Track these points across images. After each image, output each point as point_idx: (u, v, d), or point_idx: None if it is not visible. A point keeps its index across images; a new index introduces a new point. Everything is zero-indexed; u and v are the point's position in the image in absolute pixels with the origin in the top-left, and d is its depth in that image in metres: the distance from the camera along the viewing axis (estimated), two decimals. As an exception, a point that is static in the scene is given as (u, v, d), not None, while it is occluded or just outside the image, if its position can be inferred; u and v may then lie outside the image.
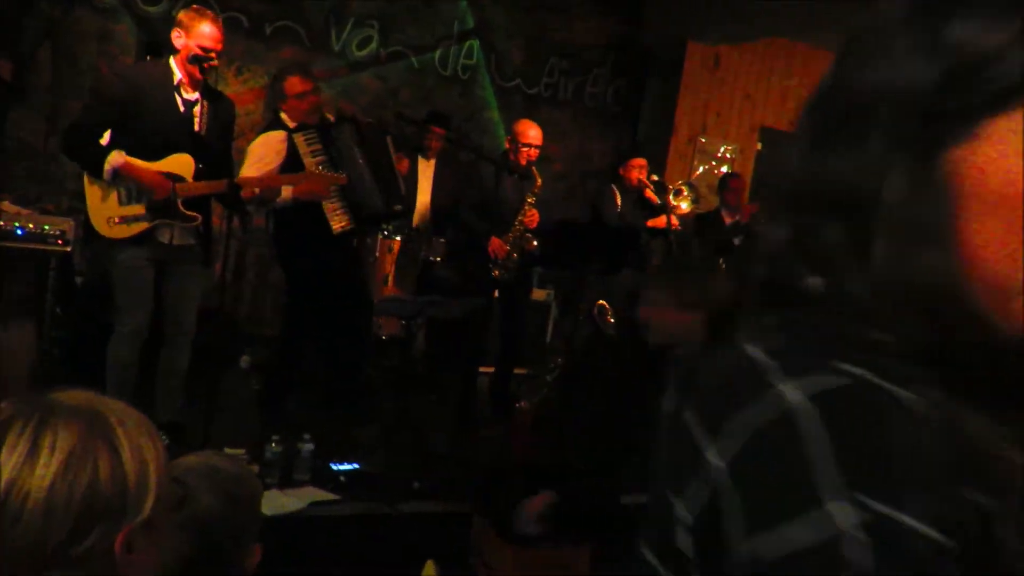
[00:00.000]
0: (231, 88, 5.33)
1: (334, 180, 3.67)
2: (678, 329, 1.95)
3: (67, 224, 4.37)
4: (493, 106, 6.16)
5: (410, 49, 5.82)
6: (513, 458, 4.09)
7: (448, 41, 5.93)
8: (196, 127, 3.41)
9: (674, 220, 5.06)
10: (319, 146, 3.92)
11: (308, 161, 3.87)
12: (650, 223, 5.31)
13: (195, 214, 3.42)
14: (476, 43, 6.02)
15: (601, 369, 5.25)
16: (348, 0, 5.55)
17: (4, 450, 0.80)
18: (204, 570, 1.34)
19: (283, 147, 3.90)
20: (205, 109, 3.43)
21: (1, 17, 4.61)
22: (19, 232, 4.27)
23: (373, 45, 5.69)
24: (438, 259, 5.17)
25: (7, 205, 4.40)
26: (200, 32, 3.29)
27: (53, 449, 0.81)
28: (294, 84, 3.95)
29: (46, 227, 4.34)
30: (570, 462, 3.99)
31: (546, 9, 6.17)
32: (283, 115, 4.00)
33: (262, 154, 3.87)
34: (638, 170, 5.30)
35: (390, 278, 5.21)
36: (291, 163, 3.87)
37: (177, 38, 3.33)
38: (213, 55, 3.32)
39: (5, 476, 0.79)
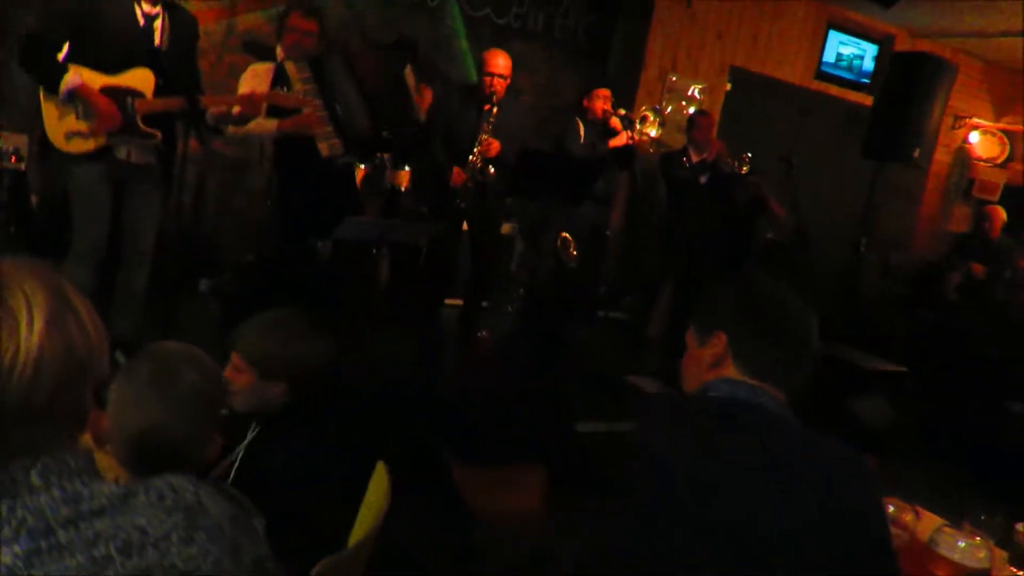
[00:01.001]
0: (190, 6, 5.17)
1: (297, 102, 3.61)
2: (262, 397, 1.91)
3: (21, 140, 4.25)
4: (461, 35, 6.05)
5: (378, -25, 5.68)
6: (474, 386, 4.15)
7: (417, -33, 5.79)
8: (156, 41, 3.33)
9: (641, 142, 5.04)
10: (308, 74, 3.84)
11: (297, 88, 3.79)
12: (612, 143, 5.25)
13: (154, 131, 3.36)
14: (446, -30, 5.89)
15: (562, 301, 5.33)
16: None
17: None
18: (183, 444, 1.39)
19: (267, 77, 3.83)
20: (166, 24, 3.35)
21: None
22: None
23: (340, -32, 5.54)
24: (402, 188, 5.13)
25: None
26: None
27: (31, 311, 0.82)
28: (294, 18, 3.85)
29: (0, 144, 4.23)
30: (528, 389, 4.06)
31: (517, -63, 6.04)
32: (278, 47, 3.95)
33: (248, 85, 3.80)
34: (602, 100, 5.27)
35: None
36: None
37: None
38: None
39: None
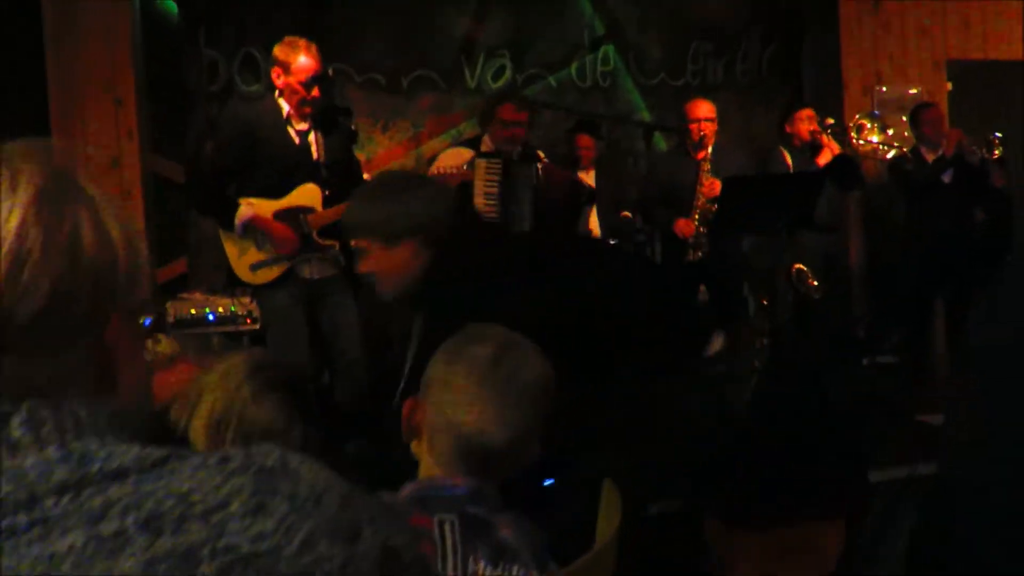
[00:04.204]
0: (380, 146, 5.35)
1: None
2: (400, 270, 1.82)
3: (253, 304, 4.45)
4: (641, 107, 5.79)
5: (545, 69, 5.56)
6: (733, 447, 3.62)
7: (582, 52, 5.71)
8: (314, 156, 3.28)
9: (863, 153, 4.47)
10: (496, 177, 3.81)
11: (478, 185, 3.80)
12: (820, 160, 4.57)
13: (331, 242, 3.26)
14: (611, 47, 5.72)
15: (815, 342, 4.65)
16: (475, 36, 5.41)
17: None
18: (519, 444, 1.20)
19: (465, 164, 3.85)
20: (319, 136, 3.30)
21: (166, 122, 4.85)
22: (210, 317, 4.36)
23: (507, 74, 5.53)
24: None
25: (199, 296, 4.58)
26: (300, 67, 3.16)
27: (16, 186, 0.60)
28: (507, 110, 3.95)
29: (233, 308, 4.44)
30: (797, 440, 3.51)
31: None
32: (486, 136, 3.98)
33: (445, 164, 3.83)
34: (807, 121, 4.65)
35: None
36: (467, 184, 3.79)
37: (277, 77, 3.22)
38: (316, 90, 3.20)
39: None
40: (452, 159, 3.90)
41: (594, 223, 5.04)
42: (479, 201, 3.80)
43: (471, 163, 3.83)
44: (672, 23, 5.79)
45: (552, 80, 5.63)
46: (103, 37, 4.57)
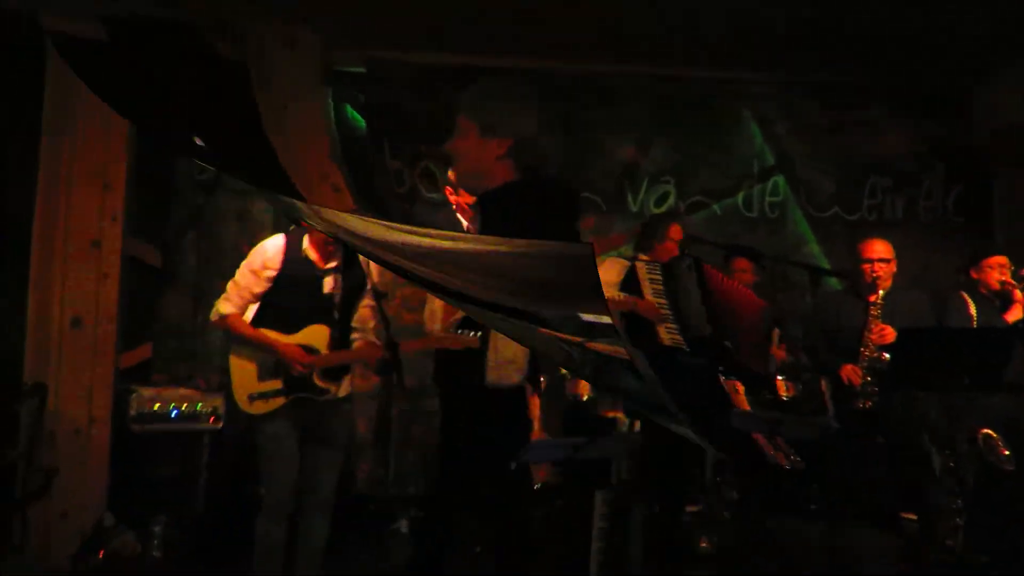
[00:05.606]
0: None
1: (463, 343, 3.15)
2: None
3: (218, 400, 4.39)
4: (811, 239, 5.55)
5: (709, 197, 5.46)
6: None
7: (750, 181, 5.57)
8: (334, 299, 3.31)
9: None
10: (659, 276, 3.96)
11: (645, 287, 3.92)
12: (1009, 316, 4.14)
13: (329, 385, 3.28)
14: (781, 178, 5.58)
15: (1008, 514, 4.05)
16: (639, 160, 5.41)
17: None
18: None
19: (620, 273, 3.99)
20: (338, 279, 3.31)
21: (149, 207, 4.80)
22: (173, 414, 4.33)
23: (671, 200, 5.50)
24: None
25: (165, 391, 4.42)
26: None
27: None
28: (677, 231, 4.13)
29: (198, 406, 4.37)
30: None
31: (852, 127, 5.52)
32: (652, 249, 4.10)
33: (603, 279, 3.86)
34: (998, 270, 4.23)
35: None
36: (631, 289, 3.92)
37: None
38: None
39: None
40: (606, 273, 3.95)
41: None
42: (648, 295, 3.88)
43: (630, 271, 3.98)
44: (847, 158, 5.56)
45: (716, 208, 5.51)
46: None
